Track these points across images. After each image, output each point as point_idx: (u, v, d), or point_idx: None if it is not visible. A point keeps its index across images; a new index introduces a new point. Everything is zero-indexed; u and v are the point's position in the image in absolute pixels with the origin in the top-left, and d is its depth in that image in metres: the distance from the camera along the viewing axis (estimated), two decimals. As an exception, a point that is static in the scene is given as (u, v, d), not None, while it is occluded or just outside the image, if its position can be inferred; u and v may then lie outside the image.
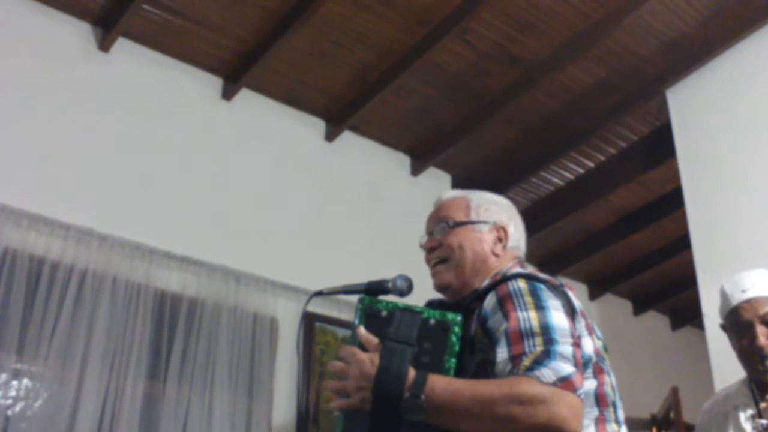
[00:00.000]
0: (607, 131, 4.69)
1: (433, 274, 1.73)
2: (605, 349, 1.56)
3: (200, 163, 4.13)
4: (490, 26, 3.96)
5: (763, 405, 2.11)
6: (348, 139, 4.75)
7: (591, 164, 5.01)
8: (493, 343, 1.41)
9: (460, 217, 1.73)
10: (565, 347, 1.35)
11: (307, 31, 3.94)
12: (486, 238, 1.71)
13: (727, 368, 2.88)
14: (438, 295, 1.74)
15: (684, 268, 4.70)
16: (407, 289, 1.69)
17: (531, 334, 1.36)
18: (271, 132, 4.47)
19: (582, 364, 1.41)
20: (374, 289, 1.66)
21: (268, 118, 4.48)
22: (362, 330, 1.46)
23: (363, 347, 1.44)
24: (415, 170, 5.02)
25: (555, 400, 1.27)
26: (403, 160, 5.03)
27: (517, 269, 1.61)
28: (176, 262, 3.78)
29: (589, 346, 1.49)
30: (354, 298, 1.58)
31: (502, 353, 1.37)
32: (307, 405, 4.00)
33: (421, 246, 1.78)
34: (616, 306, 6.38)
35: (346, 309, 4.13)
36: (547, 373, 1.29)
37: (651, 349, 6.24)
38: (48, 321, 3.29)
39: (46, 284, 3.34)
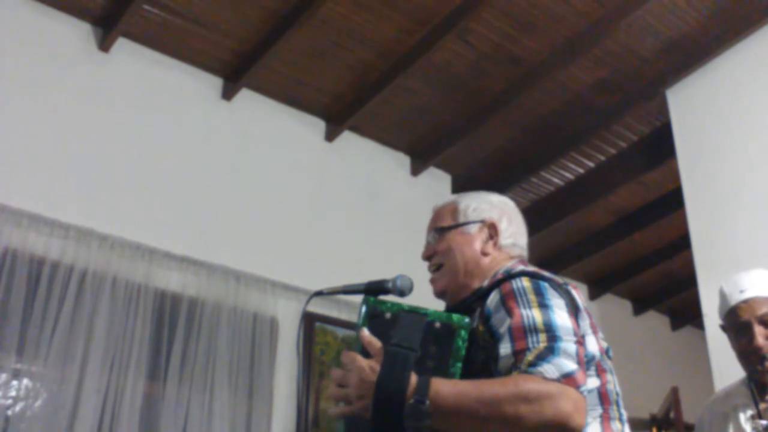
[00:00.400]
0: (607, 131, 4.69)
1: (431, 282, 1.75)
2: (609, 354, 1.56)
3: (200, 163, 4.13)
4: (490, 26, 3.96)
5: (762, 406, 2.11)
6: (348, 139, 4.75)
7: (591, 164, 5.01)
8: (496, 340, 1.40)
9: (447, 222, 1.75)
10: (568, 344, 1.35)
11: (307, 31, 3.94)
12: (475, 238, 1.71)
13: (727, 368, 2.87)
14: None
15: (684, 268, 4.71)
16: (407, 289, 1.69)
17: (534, 330, 1.36)
18: (271, 132, 4.47)
19: (585, 362, 1.41)
20: (374, 289, 1.66)
21: (268, 118, 4.48)
22: (365, 332, 1.44)
23: (365, 350, 1.42)
24: (415, 170, 5.02)
25: (559, 396, 1.27)
26: (403, 160, 5.03)
27: (521, 267, 1.61)
28: (176, 262, 3.78)
29: (593, 344, 1.49)
30: (355, 298, 1.58)
31: (505, 349, 1.37)
32: (307, 405, 4.00)
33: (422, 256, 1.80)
34: (616, 306, 6.38)
35: (346, 309, 4.13)
36: (550, 369, 1.29)
37: (651, 349, 6.24)
38: (48, 321, 3.29)
39: (46, 284, 3.34)
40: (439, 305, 1.69)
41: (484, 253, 1.69)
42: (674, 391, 4.28)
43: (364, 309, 1.48)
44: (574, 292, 1.53)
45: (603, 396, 1.48)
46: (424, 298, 1.70)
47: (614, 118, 4.55)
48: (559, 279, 1.54)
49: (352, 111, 4.52)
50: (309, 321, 4.11)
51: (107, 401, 3.33)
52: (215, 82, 4.34)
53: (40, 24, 3.81)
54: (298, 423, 3.77)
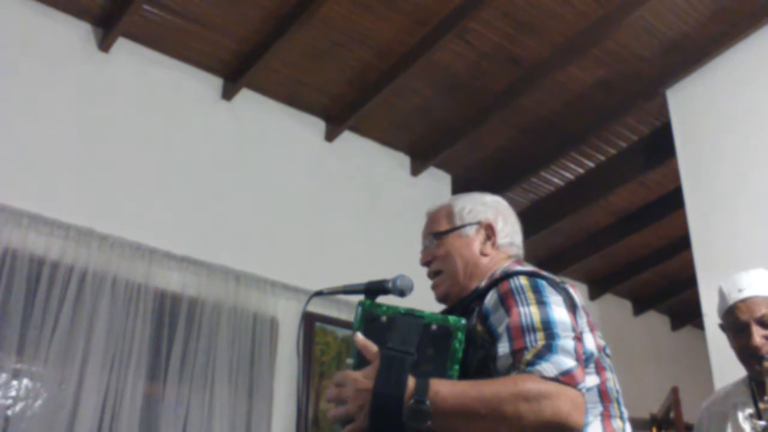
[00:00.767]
0: (607, 131, 4.69)
1: (432, 288, 1.74)
2: (606, 352, 1.56)
3: (200, 163, 4.13)
4: (490, 26, 3.96)
5: (762, 406, 2.11)
6: (348, 139, 4.75)
7: (591, 164, 5.01)
8: (494, 339, 1.41)
9: (444, 226, 1.74)
10: (566, 341, 1.35)
11: (307, 31, 3.94)
12: (473, 240, 1.71)
13: (727, 368, 2.88)
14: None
15: (684, 268, 4.71)
16: (408, 289, 1.69)
17: (532, 329, 1.37)
18: (271, 132, 4.47)
19: (584, 359, 1.41)
20: (374, 289, 1.66)
21: (268, 118, 4.48)
22: (359, 337, 1.43)
23: (361, 354, 1.41)
24: (415, 170, 5.02)
25: (557, 396, 1.27)
26: (403, 160, 5.03)
27: (518, 267, 1.61)
28: (176, 262, 3.78)
29: (590, 342, 1.49)
30: (355, 298, 1.57)
31: (503, 348, 1.37)
32: (307, 405, 4.00)
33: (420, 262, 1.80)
34: (616, 306, 6.38)
35: (346, 309, 4.13)
36: (548, 368, 1.30)
37: (651, 349, 6.25)
38: (48, 321, 3.29)
39: (46, 284, 3.34)
40: (439, 306, 1.69)
41: (483, 254, 1.70)
42: (674, 391, 4.27)
43: (359, 312, 1.47)
44: (572, 290, 1.54)
45: (603, 394, 1.48)
46: (424, 298, 1.71)
47: (614, 118, 4.55)
48: (557, 278, 1.55)
49: (352, 111, 4.52)
50: (309, 321, 4.11)
51: (107, 401, 3.33)
52: (215, 82, 4.34)
53: (40, 24, 3.81)
54: (298, 423, 3.77)
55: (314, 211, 4.46)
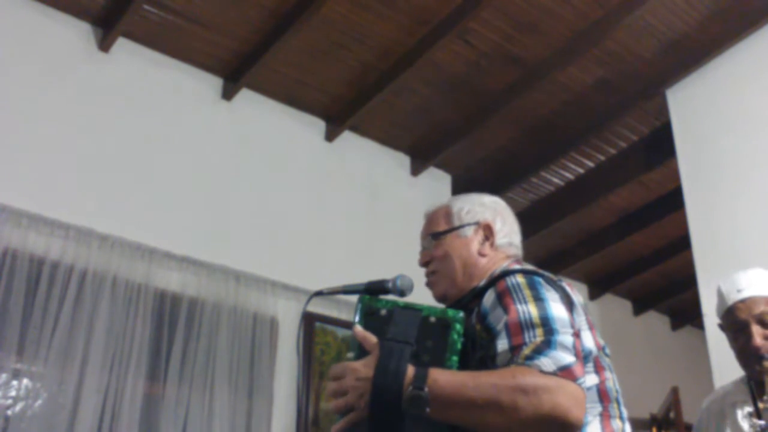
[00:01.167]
0: (607, 131, 4.69)
1: (430, 288, 1.75)
2: (606, 352, 1.56)
3: (200, 163, 4.13)
4: (490, 26, 3.96)
5: (761, 405, 2.11)
6: (348, 139, 4.75)
7: (591, 164, 5.01)
8: (493, 338, 1.41)
9: (442, 226, 1.75)
10: (565, 337, 1.35)
11: (307, 31, 3.94)
12: (472, 240, 1.72)
13: (727, 368, 2.87)
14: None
15: (684, 268, 4.71)
16: (408, 289, 1.69)
17: (531, 325, 1.37)
18: (271, 132, 4.47)
19: (583, 356, 1.41)
20: (374, 289, 1.66)
21: (268, 118, 4.48)
22: (359, 328, 1.45)
23: (362, 346, 1.43)
24: (415, 170, 5.02)
25: (557, 390, 1.27)
26: (403, 160, 5.03)
27: (515, 266, 1.62)
28: (176, 262, 3.78)
29: (589, 340, 1.49)
30: (355, 299, 1.58)
31: (502, 344, 1.37)
32: (307, 405, 4.00)
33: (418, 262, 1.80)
34: (616, 306, 6.38)
35: (346, 309, 4.13)
36: (547, 363, 1.30)
37: (651, 349, 6.25)
38: (48, 321, 3.28)
39: (46, 284, 3.34)
40: (438, 304, 1.69)
41: (481, 254, 1.70)
42: (674, 391, 4.28)
43: (359, 307, 1.50)
44: (569, 289, 1.54)
45: (602, 393, 1.48)
46: (425, 298, 1.70)
47: (614, 118, 4.55)
48: (553, 276, 1.55)
49: (352, 111, 4.52)
50: (309, 321, 4.11)
51: (107, 401, 3.33)
52: (215, 82, 4.34)
53: (40, 24, 3.81)
54: (298, 423, 3.77)
55: (314, 211, 4.46)
